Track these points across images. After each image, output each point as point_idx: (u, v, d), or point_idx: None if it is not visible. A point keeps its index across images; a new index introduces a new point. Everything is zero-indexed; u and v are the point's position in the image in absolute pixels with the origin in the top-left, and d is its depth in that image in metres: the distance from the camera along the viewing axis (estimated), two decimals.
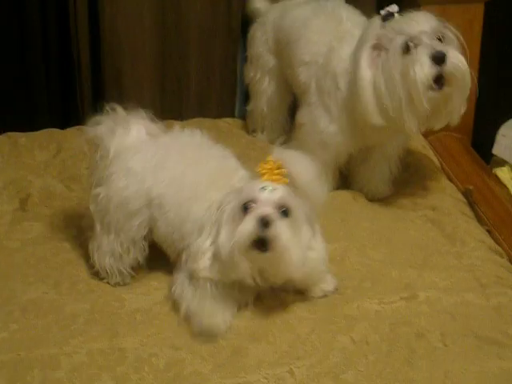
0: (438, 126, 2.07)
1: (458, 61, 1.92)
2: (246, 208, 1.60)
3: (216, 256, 1.67)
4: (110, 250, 1.86)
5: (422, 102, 1.92)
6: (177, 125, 2.42)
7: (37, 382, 1.58)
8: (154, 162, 1.81)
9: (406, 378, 1.59)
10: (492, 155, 2.55)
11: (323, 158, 2.18)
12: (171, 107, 2.76)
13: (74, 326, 1.75)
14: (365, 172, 2.29)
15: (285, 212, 1.60)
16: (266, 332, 1.71)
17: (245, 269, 1.62)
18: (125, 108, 1.86)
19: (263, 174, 1.63)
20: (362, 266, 1.94)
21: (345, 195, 2.29)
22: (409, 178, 2.35)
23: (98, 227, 1.86)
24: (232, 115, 2.84)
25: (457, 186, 2.33)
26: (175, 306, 1.78)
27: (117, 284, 1.89)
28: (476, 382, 1.58)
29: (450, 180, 2.36)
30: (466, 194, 2.26)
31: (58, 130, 2.53)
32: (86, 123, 1.87)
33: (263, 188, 1.61)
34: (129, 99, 1.94)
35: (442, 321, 1.75)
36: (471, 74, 1.98)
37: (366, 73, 2.00)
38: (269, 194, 1.60)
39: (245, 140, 2.59)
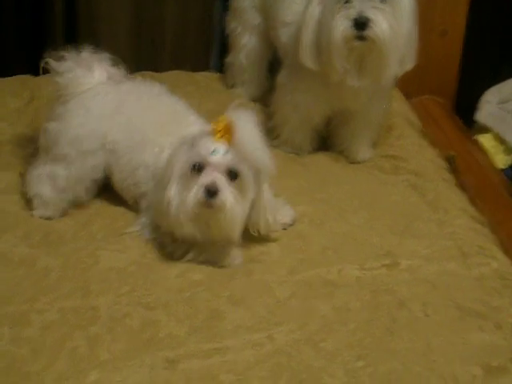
0: (366, 81, 2.01)
1: (380, 29, 1.89)
2: (195, 168, 1.64)
3: (162, 211, 1.69)
4: (52, 181, 1.85)
5: (340, 52, 1.92)
6: (151, 76, 2.40)
7: (6, 339, 1.52)
8: (113, 107, 1.83)
9: (387, 348, 1.56)
10: (475, 121, 2.50)
11: (297, 120, 2.17)
12: (146, 58, 2.69)
13: (46, 281, 1.68)
14: (345, 135, 2.24)
15: (233, 175, 1.64)
16: (244, 295, 1.67)
17: (189, 228, 1.67)
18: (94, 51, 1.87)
19: (215, 134, 1.64)
20: (342, 231, 1.91)
21: (324, 158, 2.25)
22: (391, 142, 2.30)
23: (42, 158, 1.86)
24: (207, 68, 2.77)
25: (439, 151, 2.28)
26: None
27: (45, 217, 1.87)
28: (458, 355, 1.55)
29: (432, 145, 2.32)
30: (449, 160, 2.22)
31: (30, 76, 2.44)
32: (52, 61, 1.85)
33: (215, 151, 1.63)
34: (103, 49, 1.89)
35: (423, 290, 1.72)
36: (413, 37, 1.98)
37: (315, 9, 1.99)
38: (219, 158, 1.63)
39: (224, 95, 2.52)
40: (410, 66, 2.01)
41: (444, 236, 1.90)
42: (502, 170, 2.28)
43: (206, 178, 1.63)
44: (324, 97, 2.12)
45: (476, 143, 2.40)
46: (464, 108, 2.57)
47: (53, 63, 1.85)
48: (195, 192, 1.63)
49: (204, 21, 2.72)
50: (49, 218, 1.88)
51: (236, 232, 1.70)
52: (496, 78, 2.54)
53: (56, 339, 1.53)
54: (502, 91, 2.43)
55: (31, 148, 2.10)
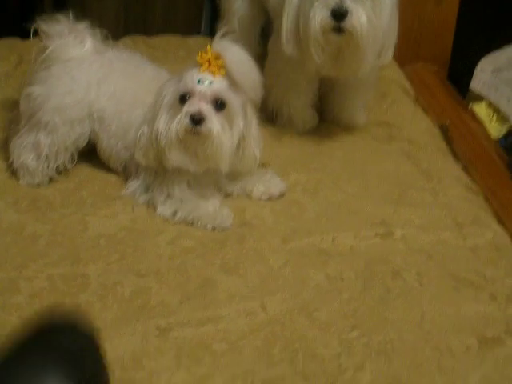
0: (344, 72, 1.98)
1: (358, 22, 1.83)
2: (182, 98, 1.65)
3: (152, 143, 1.71)
4: (34, 149, 1.82)
5: (317, 42, 1.87)
6: (142, 40, 2.35)
7: None
8: (99, 76, 1.82)
9: (381, 318, 1.54)
10: (469, 90, 2.47)
11: (284, 85, 2.13)
12: (135, 22, 2.64)
13: (34, 248, 1.65)
14: (337, 101, 2.20)
15: (220, 104, 1.66)
16: (236, 263, 1.65)
17: (177, 156, 1.69)
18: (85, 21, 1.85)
19: (202, 64, 1.65)
20: (336, 199, 1.88)
21: (317, 126, 2.21)
22: (385, 108, 2.28)
23: (24, 125, 1.84)
24: (198, 32, 2.73)
25: (432, 119, 2.26)
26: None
27: (32, 185, 1.85)
28: (452, 325, 1.54)
29: (426, 113, 2.29)
30: (442, 129, 2.20)
31: (18, 39, 2.39)
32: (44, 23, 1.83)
33: (200, 80, 1.64)
34: (91, 12, 1.85)
35: (418, 260, 1.70)
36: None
37: None
38: (205, 87, 1.64)
39: None
40: (388, 58, 1.97)
41: (438, 205, 1.88)
42: (496, 139, 2.25)
43: (191, 107, 1.64)
44: (307, 70, 2.06)
45: (470, 112, 2.37)
46: (458, 76, 2.55)
47: (44, 25, 1.82)
48: (180, 119, 1.64)
49: None
50: (37, 186, 1.85)
51: (224, 161, 1.70)
52: (490, 47, 2.51)
53: (45, 307, 1.50)
54: (497, 60, 2.41)
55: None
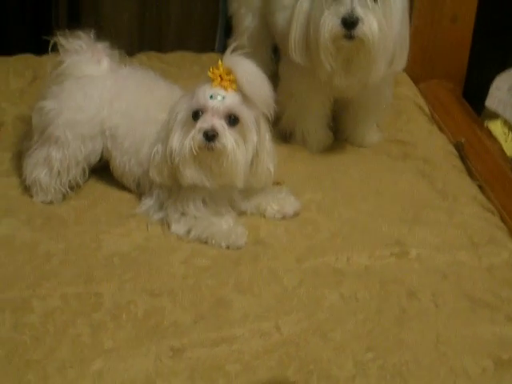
0: (352, 81, 1.95)
1: (369, 29, 1.81)
2: (195, 115, 1.65)
3: (166, 160, 1.70)
4: (47, 164, 1.82)
5: (327, 50, 1.86)
6: (156, 57, 2.35)
7: (8, 325, 1.49)
8: (112, 93, 1.82)
9: (397, 339, 1.53)
10: (484, 107, 2.45)
11: (295, 108, 2.12)
12: (150, 38, 2.65)
13: (48, 266, 1.65)
14: (348, 120, 2.20)
15: (233, 120, 1.65)
16: (251, 283, 1.64)
17: (191, 172, 1.68)
18: (99, 36, 1.86)
19: (213, 80, 1.65)
20: (350, 218, 1.87)
21: (331, 144, 2.20)
22: (399, 126, 2.27)
23: (36, 140, 1.84)
24: (212, 49, 2.73)
25: (448, 137, 2.25)
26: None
27: (46, 202, 1.85)
28: (468, 347, 1.52)
29: (441, 131, 2.28)
30: (458, 147, 2.19)
31: (33, 55, 2.39)
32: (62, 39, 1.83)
33: (213, 96, 1.64)
34: (106, 28, 1.85)
35: (433, 280, 1.69)
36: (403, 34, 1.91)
37: (304, 3, 1.93)
38: (218, 103, 1.64)
39: None
40: (400, 66, 1.95)
41: (454, 225, 1.87)
42: None
43: (204, 123, 1.64)
44: (318, 86, 2.05)
45: (486, 130, 2.35)
46: (473, 94, 2.53)
47: (64, 40, 1.82)
48: (193, 136, 1.64)
49: (210, 1, 2.66)
50: (50, 203, 1.86)
51: (239, 177, 1.69)
52: (506, 64, 2.50)
53: (58, 326, 1.50)
54: None
55: None
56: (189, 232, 1.77)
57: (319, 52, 1.86)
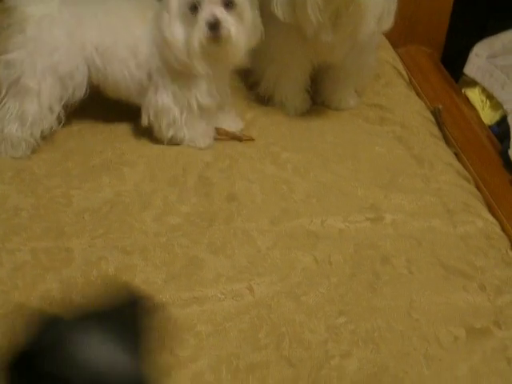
0: (340, 36, 1.89)
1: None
2: (193, 7, 1.68)
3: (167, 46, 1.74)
4: (19, 118, 1.77)
5: (310, 7, 1.81)
6: None
7: None
8: (78, 16, 1.77)
9: (369, 305, 1.52)
10: (462, 74, 2.43)
11: (274, 73, 2.08)
12: None
13: (17, 220, 1.61)
14: (327, 83, 2.15)
15: (230, 4, 1.69)
16: (224, 243, 1.61)
17: (201, 66, 1.74)
18: None
19: None
20: (326, 180, 1.84)
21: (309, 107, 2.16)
22: (377, 89, 2.24)
23: (4, 94, 1.78)
24: None
25: (425, 103, 2.23)
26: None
27: (15, 156, 1.81)
28: (441, 315, 1.52)
29: (419, 96, 2.26)
30: (435, 113, 2.17)
31: None
32: None
33: None
34: None
35: (407, 246, 1.68)
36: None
37: None
38: None
39: None
40: (387, 25, 1.90)
41: (429, 191, 1.85)
42: (489, 126, 2.23)
43: (205, 14, 1.67)
44: (300, 50, 2.02)
45: (463, 97, 2.34)
46: (452, 60, 2.51)
47: None
48: (198, 29, 1.68)
49: None
50: (20, 158, 1.81)
51: (243, 56, 1.78)
52: (485, 32, 2.48)
53: (27, 281, 1.48)
54: (493, 45, 2.37)
55: None
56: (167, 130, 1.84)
57: (306, 5, 1.81)
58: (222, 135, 1.94)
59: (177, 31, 1.72)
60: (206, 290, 1.50)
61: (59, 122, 1.82)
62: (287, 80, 2.09)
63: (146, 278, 1.51)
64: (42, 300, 1.44)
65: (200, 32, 1.68)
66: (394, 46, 2.42)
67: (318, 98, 2.18)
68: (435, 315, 1.51)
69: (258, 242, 1.63)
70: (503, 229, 1.79)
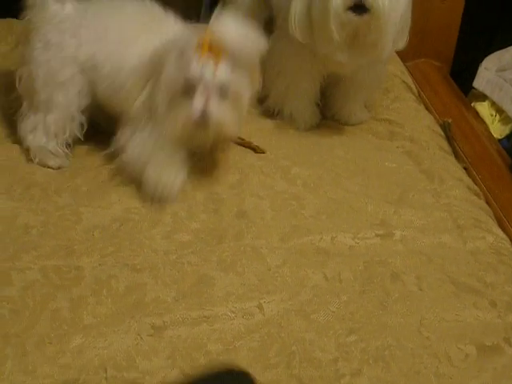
0: (356, 58, 1.90)
1: (381, 0, 1.76)
2: (185, 87, 1.59)
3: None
4: (43, 130, 1.79)
5: (335, 23, 1.79)
6: None
7: None
8: (76, 24, 1.74)
9: (379, 323, 1.52)
10: (471, 88, 2.43)
11: (283, 85, 2.07)
12: None
13: (27, 238, 1.62)
14: (337, 97, 2.14)
15: (225, 91, 1.61)
16: (234, 261, 1.61)
17: (185, 143, 1.69)
18: None
19: (203, 49, 1.56)
20: (336, 197, 1.84)
21: (318, 121, 2.16)
22: (386, 104, 2.24)
23: (26, 108, 1.80)
24: (197, 19, 2.67)
25: (435, 117, 2.23)
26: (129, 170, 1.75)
27: (52, 167, 1.83)
28: (451, 332, 1.51)
29: (428, 110, 2.26)
30: (444, 127, 2.16)
31: (16, 20, 2.33)
32: None
33: (203, 71, 1.57)
34: None
35: (417, 262, 1.67)
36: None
37: None
38: (210, 78, 1.57)
39: None
40: (402, 44, 1.90)
41: (439, 207, 1.85)
42: (499, 140, 2.22)
43: (197, 102, 1.58)
44: (310, 63, 2.01)
45: (473, 111, 2.33)
46: (461, 74, 2.51)
47: None
48: (187, 115, 1.60)
49: None
50: (60, 167, 1.84)
51: (234, 136, 1.77)
52: (494, 45, 2.48)
53: (38, 300, 1.48)
54: (502, 59, 2.37)
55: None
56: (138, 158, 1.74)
57: (325, 26, 1.80)
58: (237, 141, 1.94)
59: (161, 103, 1.63)
60: (216, 309, 1.50)
61: (81, 129, 1.82)
62: (296, 93, 2.08)
63: (155, 297, 1.51)
64: (52, 319, 1.44)
65: (188, 118, 1.60)
66: (403, 59, 2.42)
67: (327, 112, 2.18)
68: (445, 333, 1.51)
69: (267, 259, 1.63)
70: None
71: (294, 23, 1.87)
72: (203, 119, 1.59)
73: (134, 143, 1.72)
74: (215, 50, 1.57)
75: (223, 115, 1.61)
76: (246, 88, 1.66)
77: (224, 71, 1.59)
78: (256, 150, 1.94)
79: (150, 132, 1.71)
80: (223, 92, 1.60)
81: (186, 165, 1.77)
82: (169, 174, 1.73)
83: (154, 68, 1.65)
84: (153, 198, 1.73)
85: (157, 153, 1.72)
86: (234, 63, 1.61)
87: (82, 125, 1.82)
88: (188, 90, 1.59)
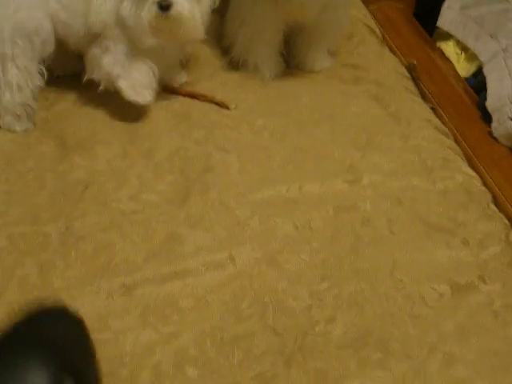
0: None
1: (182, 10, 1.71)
2: None
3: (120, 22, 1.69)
4: (6, 85, 1.76)
5: None
6: None
7: None
8: None
9: (352, 268, 1.51)
10: (436, 28, 2.40)
11: (247, 36, 2.05)
12: None
13: None
14: (301, 44, 2.11)
15: None
16: (202, 216, 1.60)
17: (152, 41, 1.69)
18: None
19: None
20: (303, 145, 1.82)
21: (282, 71, 2.13)
22: (351, 49, 2.21)
23: None
24: None
25: (400, 59, 2.20)
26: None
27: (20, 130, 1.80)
28: (425, 272, 1.51)
29: (393, 53, 2.23)
30: (410, 69, 2.14)
31: None
32: None
33: None
34: None
35: (387, 206, 1.67)
36: None
37: None
38: None
39: None
40: None
41: (407, 149, 1.84)
42: (466, 78, 2.20)
43: None
44: (272, 11, 1.97)
45: (438, 50, 2.31)
46: (424, 14, 2.47)
47: None
48: (148, 10, 1.63)
49: None
50: (26, 130, 1.82)
51: (200, 32, 1.72)
52: None
53: (6, 266, 1.46)
54: None
55: None
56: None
57: None
58: (201, 97, 1.92)
59: (126, 9, 1.66)
60: (187, 264, 1.49)
61: (42, 77, 1.80)
62: (260, 43, 2.05)
63: (125, 257, 1.50)
64: (21, 286, 1.42)
65: (150, 11, 1.62)
66: (366, 3, 2.39)
67: (291, 60, 2.15)
68: (419, 274, 1.51)
69: (236, 212, 1.61)
70: (484, 182, 1.77)
71: None
72: (165, 9, 1.62)
73: (107, 59, 1.75)
74: None
75: (185, 5, 1.63)
76: None
77: None
78: (220, 105, 1.91)
79: (121, 47, 1.74)
80: None
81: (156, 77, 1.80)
82: (140, 80, 1.77)
83: None
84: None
85: (129, 66, 1.75)
86: None
87: (42, 73, 1.80)
88: None
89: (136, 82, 1.77)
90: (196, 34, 1.71)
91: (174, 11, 1.62)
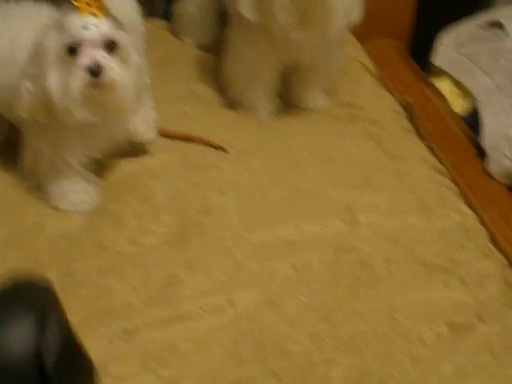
0: (311, 34, 1.88)
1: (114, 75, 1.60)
2: (72, 50, 1.49)
3: (45, 101, 1.55)
4: None
5: (282, 2, 1.79)
6: None
7: None
8: None
9: (351, 310, 1.51)
10: (431, 65, 2.42)
11: (244, 76, 2.07)
12: None
13: None
14: (297, 84, 2.14)
15: (112, 47, 1.51)
16: (200, 259, 1.60)
17: (81, 114, 1.53)
18: None
19: (80, 8, 1.48)
20: (300, 185, 1.83)
21: (278, 110, 2.15)
22: (346, 88, 2.23)
23: None
24: (154, 15, 2.65)
25: (395, 97, 2.22)
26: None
27: None
28: (423, 314, 1.51)
29: (389, 91, 2.25)
30: (406, 107, 2.16)
31: None
32: None
33: (85, 27, 1.48)
34: None
35: (385, 246, 1.67)
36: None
37: None
38: (93, 33, 1.48)
39: (172, 44, 2.43)
40: (357, 17, 1.90)
41: (404, 188, 1.85)
42: (462, 116, 2.22)
43: (84, 59, 1.48)
44: (270, 51, 2.00)
45: (433, 88, 2.33)
46: (420, 51, 2.50)
47: None
48: (76, 76, 1.48)
49: None
50: None
51: (131, 103, 1.58)
52: (452, 19, 2.46)
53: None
54: (459, 34, 2.36)
55: None
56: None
57: (272, 5, 1.80)
58: (198, 141, 1.93)
59: (52, 78, 1.51)
60: (186, 307, 1.48)
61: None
62: (257, 83, 2.07)
63: (124, 301, 1.50)
64: None
65: (78, 79, 1.48)
66: (361, 40, 2.41)
67: (288, 100, 2.16)
68: (417, 314, 1.51)
69: (234, 254, 1.62)
70: (481, 220, 1.78)
71: (243, 3, 1.88)
72: (96, 75, 1.48)
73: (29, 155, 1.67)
74: (93, 7, 1.49)
75: (115, 69, 1.51)
76: (133, 49, 1.56)
77: (106, 24, 1.51)
78: (217, 148, 1.92)
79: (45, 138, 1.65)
80: (109, 46, 1.51)
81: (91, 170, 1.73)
82: (73, 188, 1.71)
83: (37, 53, 1.56)
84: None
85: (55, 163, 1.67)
86: (116, 21, 1.53)
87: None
88: (74, 51, 1.50)
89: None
90: (127, 105, 1.58)
91: (106, 77, 1.49)
